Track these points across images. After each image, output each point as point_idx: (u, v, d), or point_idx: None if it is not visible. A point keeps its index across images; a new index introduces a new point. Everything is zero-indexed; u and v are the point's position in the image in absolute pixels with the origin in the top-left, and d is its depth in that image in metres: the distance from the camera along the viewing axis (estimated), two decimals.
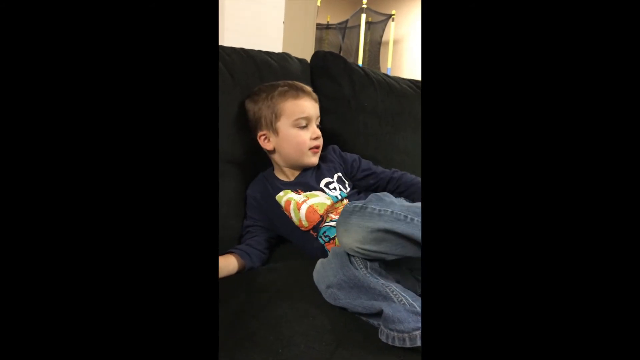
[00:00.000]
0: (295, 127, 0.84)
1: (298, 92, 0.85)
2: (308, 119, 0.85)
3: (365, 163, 0.93)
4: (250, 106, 0.86)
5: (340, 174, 0.88)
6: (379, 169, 0.93)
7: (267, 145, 0.87)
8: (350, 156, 0.93)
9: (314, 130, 0.86)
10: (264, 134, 0.86)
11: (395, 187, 0.90)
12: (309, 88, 0.89)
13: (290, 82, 0.88)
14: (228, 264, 0.75)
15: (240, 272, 0.76)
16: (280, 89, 0.85)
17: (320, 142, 0.87)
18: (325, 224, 0.82)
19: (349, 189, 0.87)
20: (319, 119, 0.89)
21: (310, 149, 0.85)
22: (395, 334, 0.53)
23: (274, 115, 0.84)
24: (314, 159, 0.87)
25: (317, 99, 0.90)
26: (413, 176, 0.91)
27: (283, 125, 0.84)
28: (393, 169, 0.93)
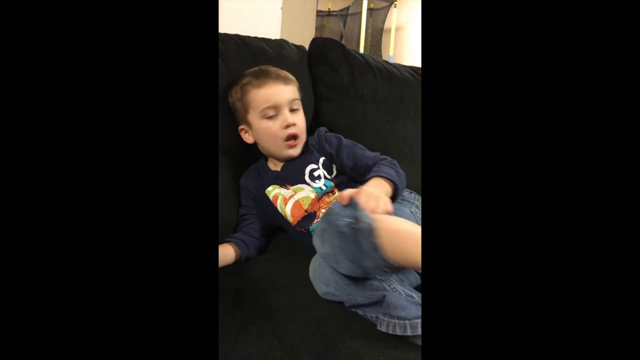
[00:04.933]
0: (264, 118, 0.78)
1: (260, 80, 0.78)
2: (276, 107, 0.78)
3: (347, 150, 0.82)
4: (229, 99, 0.83)
5: (324, 157, 0.83)
6: (363, 154, 0.83)
7: (247, 138, 0.83)
8: (334, 139, 0.84)
9: (284, 119, 0.78)
10: (242, 128, 0.83)
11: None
12: (277, 71, 0.81)
13: (256, 68, 0.82)
14: (225, 254, 0.74)
15: (237, 262, 0.76)
16: (245, 79, 0.80)
17: (295, 129, 0.79)
18: (317, 220, 0.80)
19: (335, 173, 0.82)
20: (296, 101, 0.81)
21: (286, 140, 0.79)
22: (397, 321, 0.52)
23: (244, 109, 0.80)
24: (291, 151, 0.80)
25: (289, 79, 0.81)
26: (381, 167, 0.78)
27: (253, 118, 0.79)
28: (376, 156, 0.82)
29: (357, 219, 0.56)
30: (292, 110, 0.80)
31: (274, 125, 0.78)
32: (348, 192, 0.61)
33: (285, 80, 0.80)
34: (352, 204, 0.58)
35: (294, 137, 0.80)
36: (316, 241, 0.60)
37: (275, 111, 0.78)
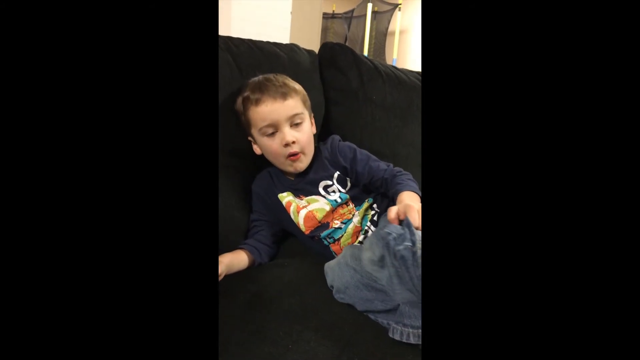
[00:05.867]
0: (264, 135, 0.77)
1: (257, 96, 0.75)
2: (274, 125, 0.75)
3: (362, 164, 0.81)
4: (235, 107, 0.81)
5: (339, 172, 0.81)
6: (378, 166, 0.81)
7: (256, 149, 0.82)
8: (348, 152, 0.83)
9: (283, 137, 0.75)
10: (250, 140, 0.82)
11: (385, 189, 0.80)
12: (276, 84, 0.76)
13: (257, 79, 0.79)
14: (239, 260, 0.75)
15: (249, 268, 0.76)
16: (244, 94, 0.77)
17: (296, 147, 0.76)
18: (330, 228, 0.80)
19: (349, 186, 0.81)
20: (298, 115, 0.77)
21: (288, 157, 0.77)
22: (411, 330, 0.53)
23: (247, 123, 0.79)
24: (295, 165, 0.78)
25: (290, 93, 0.76)
26: (399, 180, 0.77)
27: (255, 134, 0.78)
28: (390, 168, 0.82)
29: (414, 243, 0.53)
30: (294, 125, 0.77)
31: (274, 143, 0.77)
32: (396, 210, 0.58)
33: (284, 95, 0.76)
34: (405, 223, 0.55)
35: (293, 154, 0.78)
36: (372, 267, 0.57)
37: (274, 129, 0.76)
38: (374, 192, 0.83)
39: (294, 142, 0.76)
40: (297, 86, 0.81)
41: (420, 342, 0.52)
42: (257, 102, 0.75)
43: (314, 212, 0.80)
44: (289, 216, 0.82)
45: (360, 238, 0.80)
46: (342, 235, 0.80)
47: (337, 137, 0.87)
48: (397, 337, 0.53)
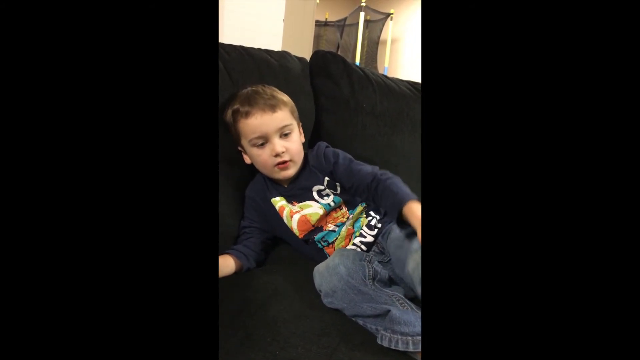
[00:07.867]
0: (254, 146, 0.79)
1: (246, 108, 0.77)
2: (264, 137, 0.77)
3: (343, 168, 0.81)
4: (224, 117, 0.82)
5: (327, 177, 0.82)
6: (359, 171, 0.79)
7: (246, 159, 0.84)
8: (332, 157, 0.83)
9: (273, 148, 0.77)
10: (240, 150, 0.84)
11: (371, 197, 0.77)
12: (265, 96, 0.78)
13: (245, 91, 0.80)
14: (226, 265, 0.75)
15: (237, 273, 0.76)
16: (233, 107, 0.78)
17: (285, 156, 0.78)
18: (324, 231, 0.81)
19: (339, 190, 0.82)
20: (287, 126, 0.79)
21: (276, 165, 0.79)
22: (399, 337, 0.53)
23: (237, 134, 0.80)
24: (283, 173, 0.80)
25: (279, 105, 0.78)
26: (393, 187, 0.73)
27: (245, 144, 0.80)
28: (375, 172, 0.78)
29: None
30: (284, 135, 0.79)
31: (264, 154, 0.79)
32: None
33: (273, 107, 0.78)
34: None
35: (282, 163, 0.79)
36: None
37: (264, 140, 0.78)
38: (359, 198, 0.83)
39: (283, 152, 0.78)
40: (285, 97, 0.83)
41: (408, 350, 0.52)
42: (247, 114, 0.77)
43: (308, 216, 0.81)
44: (282, 221, 0.82)
45: (355, 240, 0.80)
46: (337, 238, 0.80)
47: (323, 144, 0.88)
48: (385, 344, 0.53)
